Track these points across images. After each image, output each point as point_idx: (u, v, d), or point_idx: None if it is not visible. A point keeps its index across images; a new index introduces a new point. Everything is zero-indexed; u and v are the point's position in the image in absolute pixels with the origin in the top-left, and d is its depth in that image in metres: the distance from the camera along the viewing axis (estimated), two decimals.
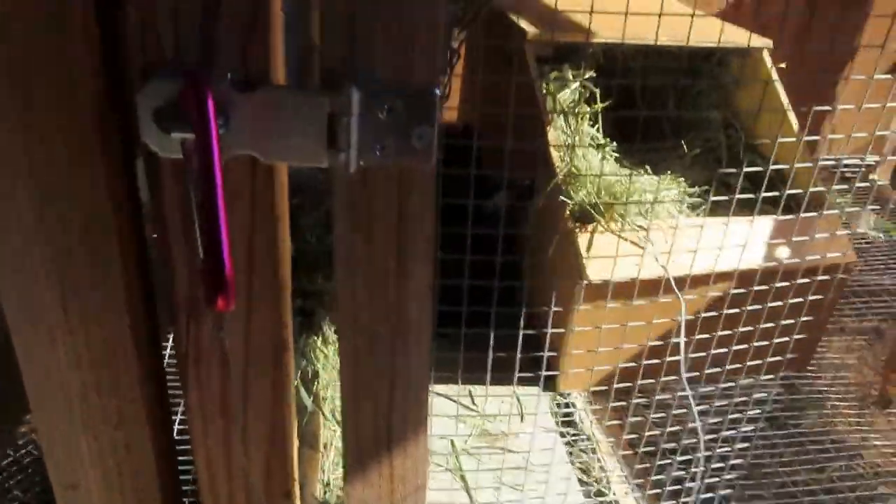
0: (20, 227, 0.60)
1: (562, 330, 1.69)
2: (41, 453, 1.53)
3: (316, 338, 1.28)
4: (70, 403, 0.68)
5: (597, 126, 1.87)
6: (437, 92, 0.60)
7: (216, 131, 0.51)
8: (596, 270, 1.63)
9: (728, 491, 1.50)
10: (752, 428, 1.47)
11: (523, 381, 1.22)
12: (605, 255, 1.59)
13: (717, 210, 1.58)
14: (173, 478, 0.83)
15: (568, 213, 1.67)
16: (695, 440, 1.36)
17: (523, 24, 1.87)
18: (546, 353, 1.41)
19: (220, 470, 0.80)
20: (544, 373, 1.42)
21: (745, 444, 1.49)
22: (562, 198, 1.67)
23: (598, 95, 1.85)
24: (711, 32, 1.71)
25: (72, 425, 0.70)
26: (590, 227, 1.67)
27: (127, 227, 0.65)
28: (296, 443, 0.84)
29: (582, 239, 1.65)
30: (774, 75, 1.96)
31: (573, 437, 1.70)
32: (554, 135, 1.77)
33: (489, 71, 1.86)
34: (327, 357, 1.34)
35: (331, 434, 1.63)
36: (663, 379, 1.44)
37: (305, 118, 0.58)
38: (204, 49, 0.56)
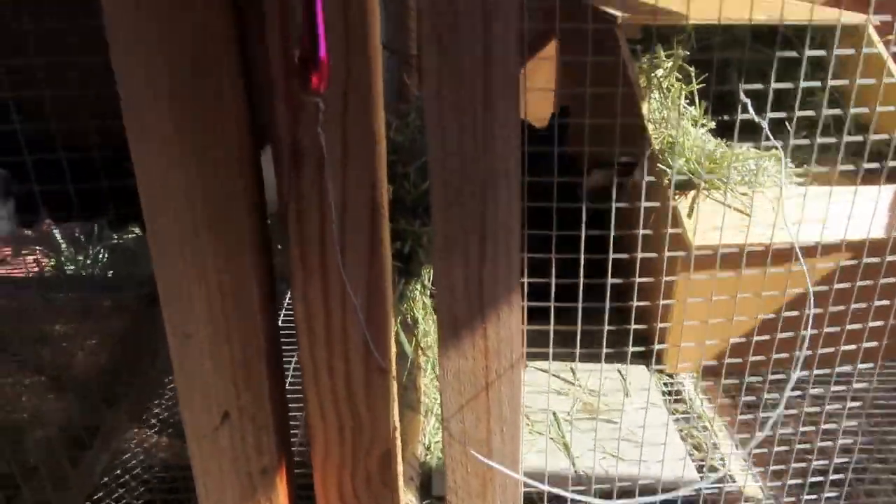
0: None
1: (660, 307, 1.63)
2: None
3: (415, 284, 1.31)
4: (183, 238, 0.74)
5: (692, 105, 1.85)
6: None
7: None
8: (700, 238, 1.58)
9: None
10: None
11: (619, 359, 1.15)
12: (709, 223, 1.55)
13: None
14: (275, 326, 0.86)
15: (666, 181, 1.65)
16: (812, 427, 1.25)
17: (610, 9, 1.91)
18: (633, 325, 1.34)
19: (319, 334, 0.83)
20: (646, 349, 1.35)
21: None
22: (660, 166, 1.64)
23: (692, 74, 1.84)
24: (806, 12, 1.67)
25: (184, 265, 0.75)
26: (690, 195, 1.63)
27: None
28: (392, 321, 0.86)
29: (683, 206, 1.62)
30: (882, 50, 1.89)
31: (683, 415, 1.62)
32: (648, 109, 1.77)
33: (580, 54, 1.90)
34: (426, 307, 1.35)
35: (431, 402, 1.63)
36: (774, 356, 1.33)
37: None
38: None
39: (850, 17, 1.94)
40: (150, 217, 0.73)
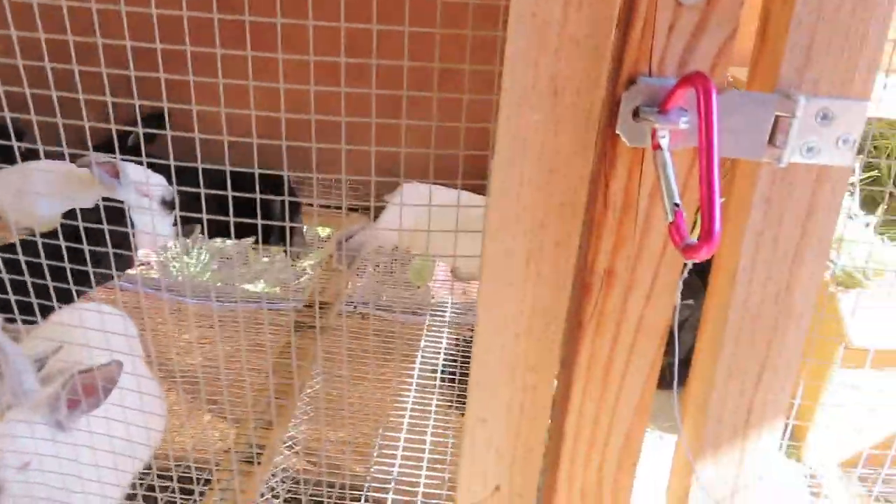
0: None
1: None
2: None
3: None
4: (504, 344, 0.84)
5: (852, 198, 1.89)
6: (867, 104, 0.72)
7: (714, 120, 0.65)
8: (859, 336, 1.63)
9: None
10: None
11: None
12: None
13: None
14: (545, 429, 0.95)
15: (829, 277, 1.70)
16: None
17: None
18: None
19: (583, 436, 0.92)
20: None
21: None
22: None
23: (855, 169, 1.88)
24: None
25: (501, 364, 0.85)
26: (854, 292, 1.68)
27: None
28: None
29: (846, 302, 1.66)
30: None
31: None
32: None
33: None
34: None
35: None
36: None
37: (755, 117, 0.72)
38: (681, 60, 0.72)
39: None
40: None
